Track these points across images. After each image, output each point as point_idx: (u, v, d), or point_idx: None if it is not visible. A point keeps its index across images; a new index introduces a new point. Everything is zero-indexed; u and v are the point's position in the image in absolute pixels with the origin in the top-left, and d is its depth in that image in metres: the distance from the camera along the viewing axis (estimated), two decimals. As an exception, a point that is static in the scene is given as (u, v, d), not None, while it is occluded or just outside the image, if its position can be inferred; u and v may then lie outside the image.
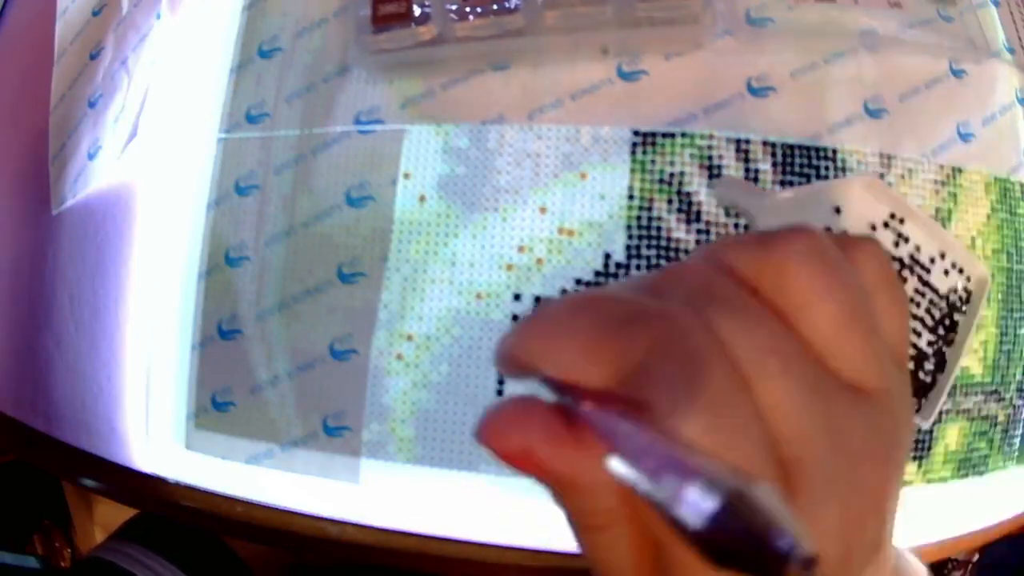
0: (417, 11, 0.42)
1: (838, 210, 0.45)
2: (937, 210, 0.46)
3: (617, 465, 0.16)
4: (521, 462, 0.17)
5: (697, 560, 0.14)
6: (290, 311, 0.43)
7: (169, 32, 0.47)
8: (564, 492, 0.18)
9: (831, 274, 0.18)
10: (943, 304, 0.46)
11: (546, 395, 0.18)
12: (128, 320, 0.46)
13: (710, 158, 0.43)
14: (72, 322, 0.47)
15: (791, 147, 0.43)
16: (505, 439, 0.17)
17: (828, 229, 0.45)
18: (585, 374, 0.17)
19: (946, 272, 0.46)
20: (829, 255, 0.18)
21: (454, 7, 0.42)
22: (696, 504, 0.14)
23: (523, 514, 0.43)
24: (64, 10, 0.52)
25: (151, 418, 0.45)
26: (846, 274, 0.18)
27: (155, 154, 0.46)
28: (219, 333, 0.43)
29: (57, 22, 0.52)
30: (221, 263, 0.44)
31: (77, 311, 0.47)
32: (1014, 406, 0.48)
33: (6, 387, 0.50)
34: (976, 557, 0.66)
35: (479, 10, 0.42)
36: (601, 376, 0.17)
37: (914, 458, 0.46)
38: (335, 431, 0.43)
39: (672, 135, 0.43)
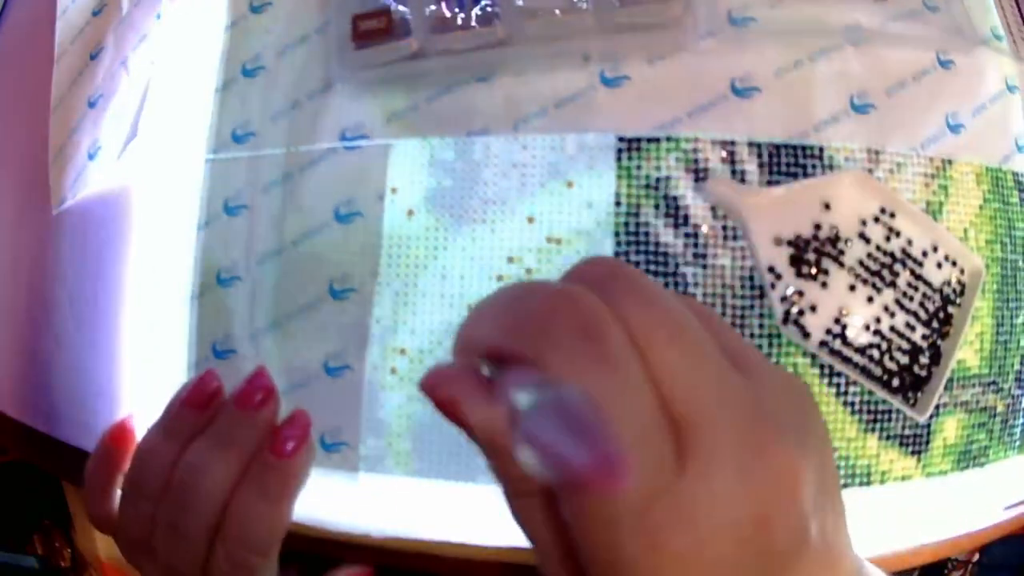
0: (398, 26, 0.42)
1: (828, 206, 0.45)
2: (928, 203, 0.45)
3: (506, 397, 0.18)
4: (448, 409, 0.20)
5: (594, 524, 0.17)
6: (283, 329, 0.43)
7: (164, 40, 0.47)
8: (488, 451, 0.20)
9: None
10: (937, 297, 0.46)
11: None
12: (128, 322, 0.46)
13: (696, 161, 0.43)
14: (72, 322, 0.48)
15: (777, 147, 0.43)
16: (439, 389, 0.20)
17: (817, 227, 0.45)
18: (492, 338, 0.20)
19: (939, 265, 0.46)
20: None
21: (435, 20, 0.42)
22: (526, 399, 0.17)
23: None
24: (64, 10, 0.52)
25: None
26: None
27: (145, 177, 0.46)
28: (214, 353, 0.44)
29: (57, 22, 0.52)
30: (213, 284, 0.44)
31: (77, 311, 0.47)
32: (1013, 396, 0.48)
33: (6, 387, 0.51)
34: (976, 557, 0.66)
35: (460, 23, 0.42)
36: (506, 340, 0.20)
37: (912, 452, 0.45)
38: (333, 447, 0.43)
39: (657, 140, 0.43)
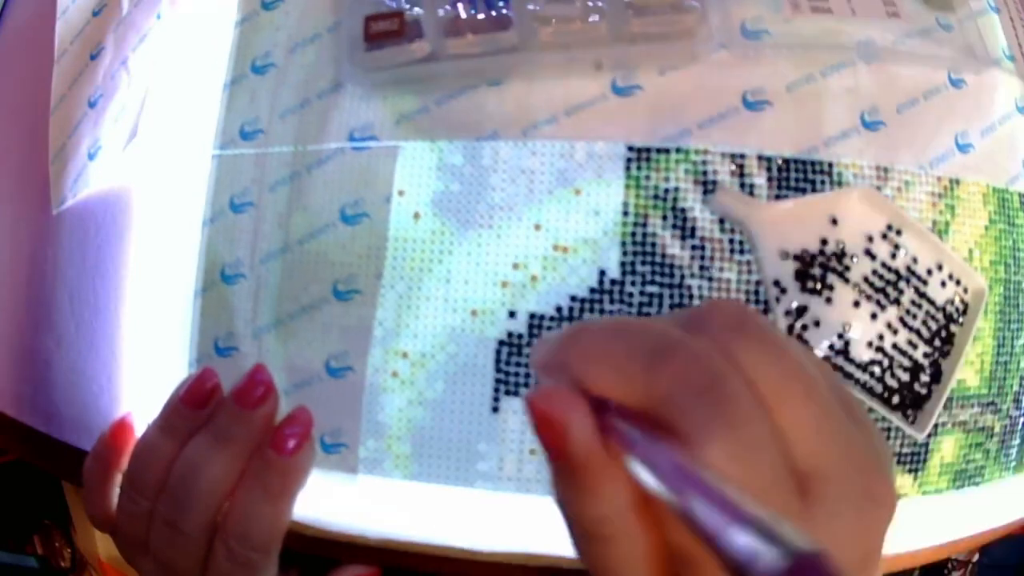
0: (410, 28, 0.42)
1: (835, 221, 0.45)
2: (934, 222, 0.45)
3: (638, 468, 0.18)
4: (552, 432, 0.20)
5: None
6: (286, 328, 0.43)
7: (168, 36, 0.47)
8: (574, 485, 0.20)
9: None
10: (940, 316, 0.46)
11: None
12: (128, 322, 0.46)
13: (705, 173, 0.43)
14: (72, 322, 0.47)
15: (787, 161, 0.43)
16: (551, 408, 0.20)
17: (824, 242, 0.45)
18: (616, 395, 0.20)
19: (943, 284, 0.46)
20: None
21: (448, 24, 0.42)
22: (755, 552, 0.15)
23: (519, 521, 0.43)
24: (64, 10, 0.52)
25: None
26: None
27: (150, 171, 0.46)
28: (216, 351, 0.44)
29: (57, 22, 0.52)
30: (217, 281, 0.44)
31: (77, 311, 0.47)
32: (1010, 417, 0.48)
33: (6, 387, 0.51)
34: (976, 557, 0.66)
35: (473, 27, 0.42)
36: (629, 400, 0.20)
37: (909, 470, 0.46)
38: (332, 448, 0.43)
39: (667, 150, 0.42)
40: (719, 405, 0.19)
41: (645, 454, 0.18)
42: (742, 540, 0.16)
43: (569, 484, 0.20)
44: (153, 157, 0.46)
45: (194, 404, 0.35)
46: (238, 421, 0.35)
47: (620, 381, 0.20)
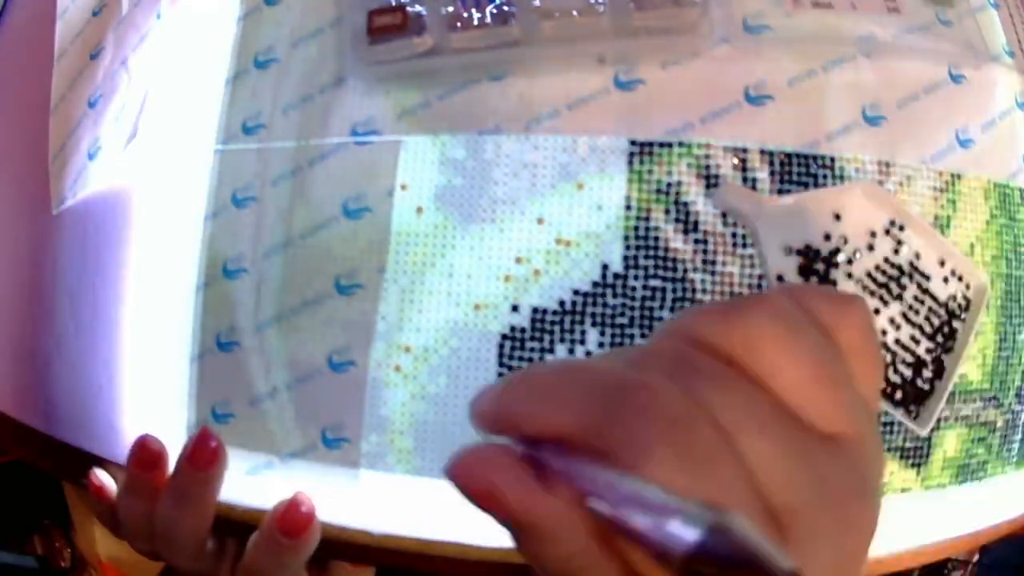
0: (413, 22, 0.42)
1: (838, 216, 0.45)
2: (936, 217, 0.45)
3: (598, 503, 0.17)
4: (487, 501, 0.18)
5: None
6: (288, 323, 0.43)
7: (169, 33, 0.47)
8: (530, 538, 0.19)
9: (794, 337, 0.20)
10: (942, 312, 0.46)
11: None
12: (128, 322, 0.46)
13: (707, 167, 0.43)
14: (72, 322, 0.47)
15: (789, 155, 0.43)
16: (474, 477, 0.18)
17: (827, 237, 0.45)
18: (564, 427, 0.18)
19: (945, 280, 0.46)
20: (792, 318, 0.20)
21: (450, 18, 0.42)
22: (679, 536, 0.16)
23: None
24: (64, 10, 0.52)
25: (152, 430, 0.45)
26: (808, 334, 0.20)
27: (152, 166, 0.46)
28: (217, 345, 0.43)
29: (57, 22, 0.52)
30: (219, 275, 0.44)
31: (77, 311, 0.47)
32: (1013, 411, 0.48)
33: (6, 387, 0.50)
34: (976, 557, 0.66)
35: (475, 21, 0.42)
36: (585, 434, 0.18)
37: (912, 465, 0.46)
38: (334, 443, 0.43)
39: (669, 144, 0.42)
40: (685, 437, 0.18)
41: (589, 484, 0.18)
42: (665, 530, 0.16)
43: (524, 538, 0.19)
44: (154, 154, 0.46)
45: (144, 468, 0.40)
46: (194, 482, 0.39)
47: (575, 426, 0.18)
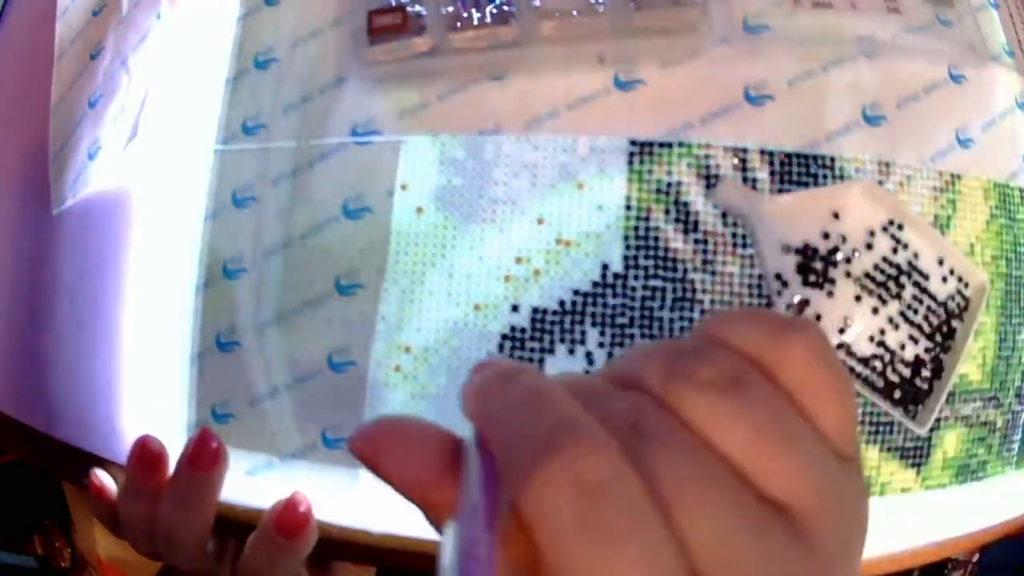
0: (413, 23, 0.42)
1: (836, 215, 0.45)
2: (936, 216, 0.45)
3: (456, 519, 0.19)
4: (371, 463, 0.20)
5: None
6: (288, 323, 0.43)
7: (169, 33, 0.47)
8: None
9: (735, 396, 0.18)
10: (941, 311, 0.46)
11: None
12: (128, 322, 0.46)
13: (707, 167, 0.43)
14: (72, 322, 0.47)
15: (789, 156, 0.43)
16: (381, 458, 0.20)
17: (826, 235, 0.45)
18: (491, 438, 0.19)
19: (944, 279, 0.46)
20: (732, 372, 0.19)
21: (450, 19, 0.42)
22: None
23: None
24: (64, 10, 0.52)
25: (152, 430, 0.45)
26: (750, 389, 0.19)
27: (152, 166, 0.46)
28: (217, 345, 0.43)
29: (57, 22, 0.52)
30: (219, 275, 0.44)
31: (77, 311, 0.47)
32: (1012, 411, 0.48)
33: (6, 387, 0.50)
34: (976, 557, 0.66)
35: (475, 21, 0.42)
36: (502, 463, 0.19)
37: (912, 465, 0.46)
38: (334, 443, 0.43)
39: (669, 144, 0.43)
40: (591, 513, 0.17)
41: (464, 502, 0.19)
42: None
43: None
44: (154, 154, 0.46)
45: (144, 469, 0.40)
46: (195, 484, 0.39)
47: (500, 444, 0.19)
